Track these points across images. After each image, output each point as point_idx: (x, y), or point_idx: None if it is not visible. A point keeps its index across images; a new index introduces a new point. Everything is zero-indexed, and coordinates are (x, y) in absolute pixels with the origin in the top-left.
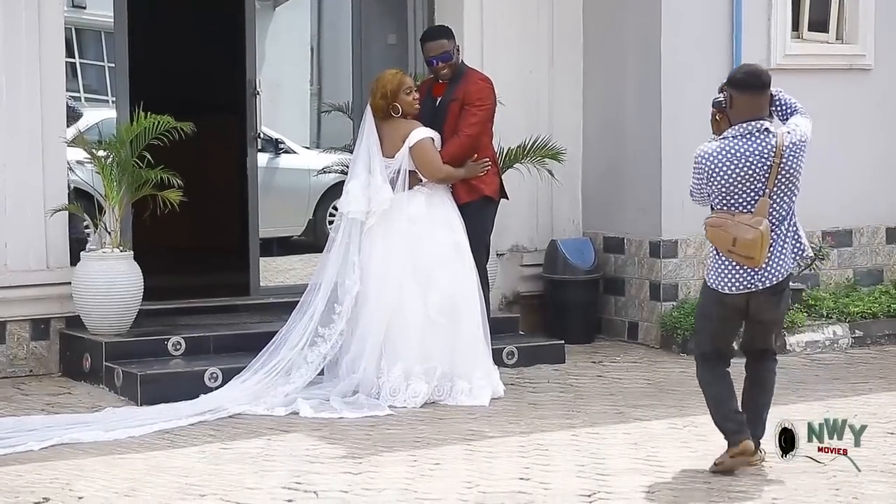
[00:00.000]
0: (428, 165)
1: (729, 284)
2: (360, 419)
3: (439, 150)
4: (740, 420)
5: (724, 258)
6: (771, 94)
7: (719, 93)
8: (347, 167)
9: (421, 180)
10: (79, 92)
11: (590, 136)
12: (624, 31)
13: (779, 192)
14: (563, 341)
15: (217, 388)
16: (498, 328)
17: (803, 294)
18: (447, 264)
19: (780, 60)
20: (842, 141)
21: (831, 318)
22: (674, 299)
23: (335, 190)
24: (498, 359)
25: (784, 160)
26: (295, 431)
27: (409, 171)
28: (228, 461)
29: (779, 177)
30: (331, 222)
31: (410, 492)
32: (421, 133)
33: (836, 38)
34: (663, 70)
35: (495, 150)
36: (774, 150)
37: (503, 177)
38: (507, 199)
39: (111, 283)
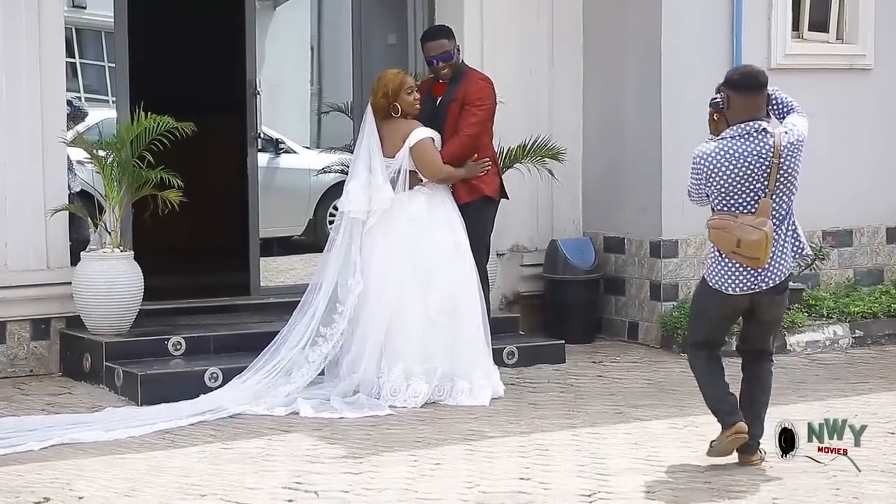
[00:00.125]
0: (428, 165)
1: (733, 285)
2: (361, 419)
3: (439, 150)
4: (732, 402)
5: (726, 259)
6: (767, 94)
7: (716, 93)
8: (347, 167)
9: (421, 180)
10: (79, 92)
11: (590, 136)
12: (624, 31)
13: (779, 191)
14: (563, 341)
15: (217, 388)
16: (498, 328)
17: (804, 294)
18: (448, 264)
19: (781, 60)
20: (842, 141)
21: (832, 317)
22: (674, 299)
23: (335, 190)
24: (498, 359)
25: (783, 160)
26: (295, 431)
27: (410, 171)
28: (229, 461)
29: (778, 176)
30: (331, 222)
31: (411, 492)
32: (421, 133)
33: (837, 38)
34: (663, 70)
35: (495, 149)
36: (773, 150)
37: (503, 176)
38: (508, 198)
39: (111, 283)
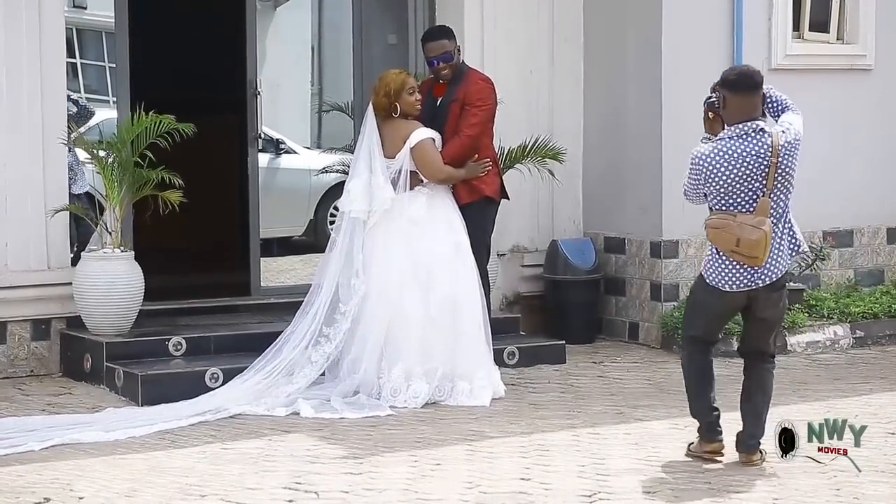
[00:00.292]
0: (429, 166)
1: (730, 283)
2: (361, 419)
3: (440, 150)
4: (714, 419)
5: (724, 257)
6: (762, 92)
7: (711, 92)
8: (348, 167)
9: (422, 181)
10: (79, 92)
11: (590, 136)
12: (625, 31)
13: (776, 190)
14: (563, 342)
15: (217, 388)
16: (499, 328)
17: (804, 294)
18: (448, 265)
19: (781, 60)
20: (842, 141)
21: (832, 318)
22: (675, 300)
23: (336, 190)
24: (499, 359)
25: (781, 159)
26: (296, 432)
27: (411, 171)
28: (229, 461)
29: (776, 175)
30: (331, 222)
31: (411, 492)
32: (422, 134)
33: (837, 39)
34: (664, 70)
35: (496, 150)
36: (771, 149)
37: (504, 177)
38: (508, 199)
39: (112, 283)
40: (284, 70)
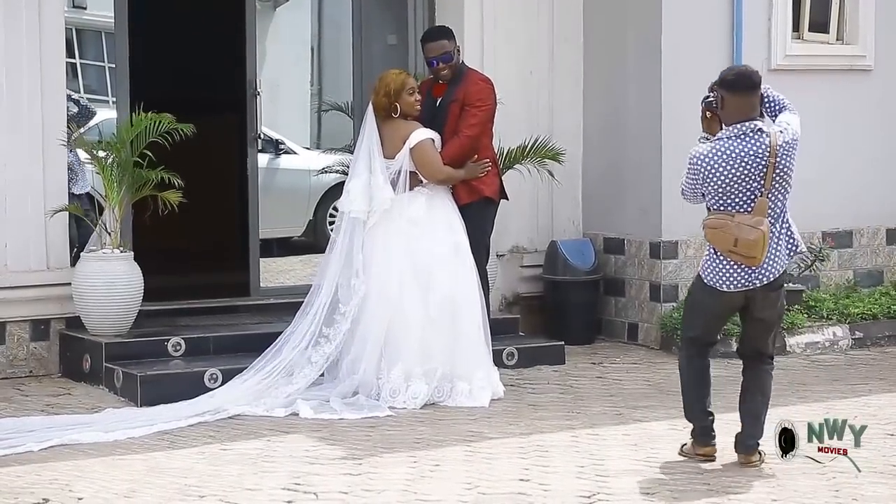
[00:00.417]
0: (428, 166)
1: (728, 282)
2: (360, 420)
3: (439, 151)
4: (709, 424)
5: (721, 257)
6: (759, 92)
7: (709, 92)
8: (348, 168)
9: (421, 181)
10: (79, 92)
11: (590, 137)
12: (625, 32)
13: (774, 191)
14: (563, 342)
15: (217, 388)
16: (498, 329)
17: (803, 295)
18: (447, 265)
19: (781, 61)
20: (842, 142)
21: (831, 319)
22: (674, 300)
23: (335, 190)
24: (498, 360)
25: (779, 159)
26: (295, 432)
27: (410, 172)
28: (228, 462)
29: (774, 175)
30: (331, 223)
31: (410, 493)
32: (421, 134)
33: (837, 39)
34: (664, 70)
35: (495, 150)
36: (769, 149)
37: (503, 177)
38: (508, 199)
39: (111, 283)
40: (284, 70)
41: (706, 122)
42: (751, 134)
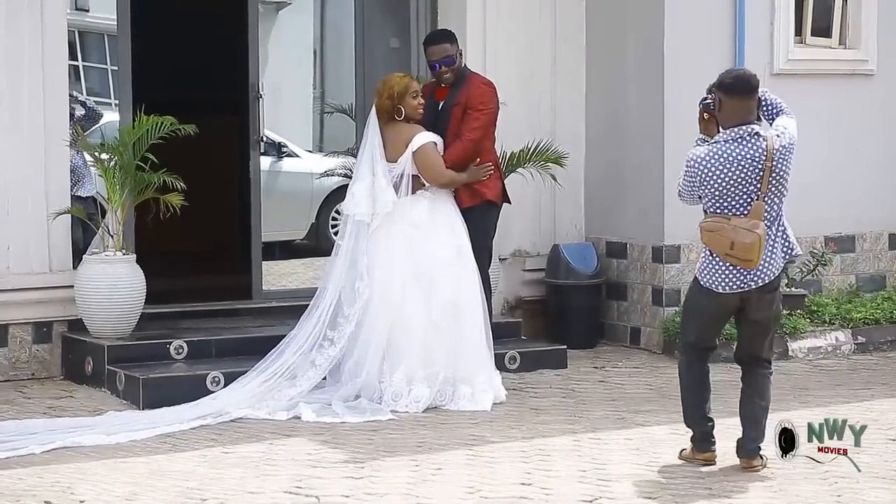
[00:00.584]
0: (431, 170)
1: (723, 284)
2: (362, 424)
3: (442, 154)
4: (709, 430)
5: (717, 259)
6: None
7: (707, 94)
8: (350, 171)
9: (424, 185)
10: (82, 95)
11: (592, 140)
12: (626, 35)
13: (770, 194)
14: (565, 346)
15: (219, 391)
16: (500, 333)
17: (806, 300)
18: (450, 269)
19: (783, 65)
20: (844, 146)
21: (834, 324)
22: (676, 304)
23: (338, 193)
24: (500, 364)
25: (775, 163)
26: (297, 436)
27: (412, 175)
28: (230, 465)
29: (771, 179)
30: (334, 226)
31: (412, 496)
32: (424, 138)
33: (839, 44)
34: (666, 75)
35: (497, 154)
36: (766, 153)
37: (506, 181)
38: (510, 203)
39: (113, 286)
40: (286, 73)
41: (703, 123)
42: (748, 138)
